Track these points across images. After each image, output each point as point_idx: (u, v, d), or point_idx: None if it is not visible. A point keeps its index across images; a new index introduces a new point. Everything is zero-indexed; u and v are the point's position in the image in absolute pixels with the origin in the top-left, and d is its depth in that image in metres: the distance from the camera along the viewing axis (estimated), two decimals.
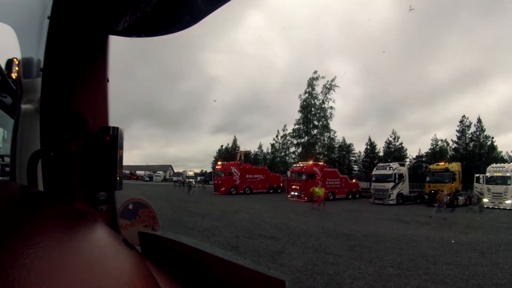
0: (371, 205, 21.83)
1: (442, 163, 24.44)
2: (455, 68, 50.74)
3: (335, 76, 40.73)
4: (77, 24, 0.93)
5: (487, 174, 22.12)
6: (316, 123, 41.43)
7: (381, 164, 26.25)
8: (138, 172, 57.95)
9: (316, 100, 41.00)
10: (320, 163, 26.56)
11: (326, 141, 42.09)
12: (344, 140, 45.84)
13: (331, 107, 40.67)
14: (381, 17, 54.83)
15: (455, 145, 38.35)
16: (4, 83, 1.39)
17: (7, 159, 1.93)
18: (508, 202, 20.12)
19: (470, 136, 37.08)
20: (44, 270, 0.40)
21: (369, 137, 45.24)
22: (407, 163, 34.63)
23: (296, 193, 23.82)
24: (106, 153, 0.96)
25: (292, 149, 43.74)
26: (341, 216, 14.79)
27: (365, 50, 61.52)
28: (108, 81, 1.04)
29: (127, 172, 53.54)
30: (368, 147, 44.69)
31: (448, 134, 53.99)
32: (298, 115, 42.22)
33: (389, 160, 32.25)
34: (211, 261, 0.89)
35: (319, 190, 18.82)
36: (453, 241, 9.05)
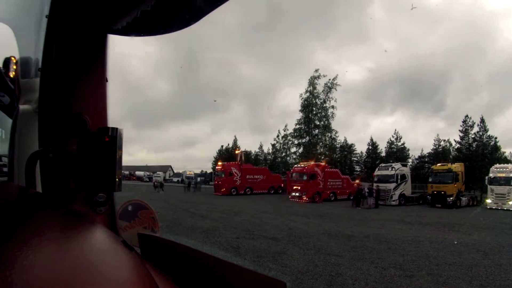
0: None
1: (444, 164, 24.31)
2: None
3: (337, 75, 40.64)
4: (75, 23, 0.93)
5: (490, 174, 21.97)
6: (317, 122, 41.35)
7: (383, 165, 26.14)
8: (138, 173, 58.05)
9: (317, 100, 40.95)
10: (321, 164, 26.47)
11: (328, 141, 41.99)
12: (345, 140, 45.85)
13: (333, 107, 40.63)
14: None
15: (458, 145, 38.22)
16: (1, 81, 1.38)
17: (5, 160, 1.92)
18: (511, 203, 19.99)
19: (473, 136, 36.89)
20: (42, 272, 0.39)
21: (371, 137, 45.21)
22: (409, 163, 34.50)
23: (297, 194, 23.77)
24: (105, 154, 0.95)
25: (293, 149, 43.69)
26: (342, 217, 14.74)
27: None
28: (107, 81, 1.03)
29: (126, 172, 53.66)
30: (370, 147, 44.62)
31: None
32: (299, 115, 42.21)
33: (391, 161, 32.12)
34: (211, 263, 0.88)
35: None
36: (456, 242, 9.00)
